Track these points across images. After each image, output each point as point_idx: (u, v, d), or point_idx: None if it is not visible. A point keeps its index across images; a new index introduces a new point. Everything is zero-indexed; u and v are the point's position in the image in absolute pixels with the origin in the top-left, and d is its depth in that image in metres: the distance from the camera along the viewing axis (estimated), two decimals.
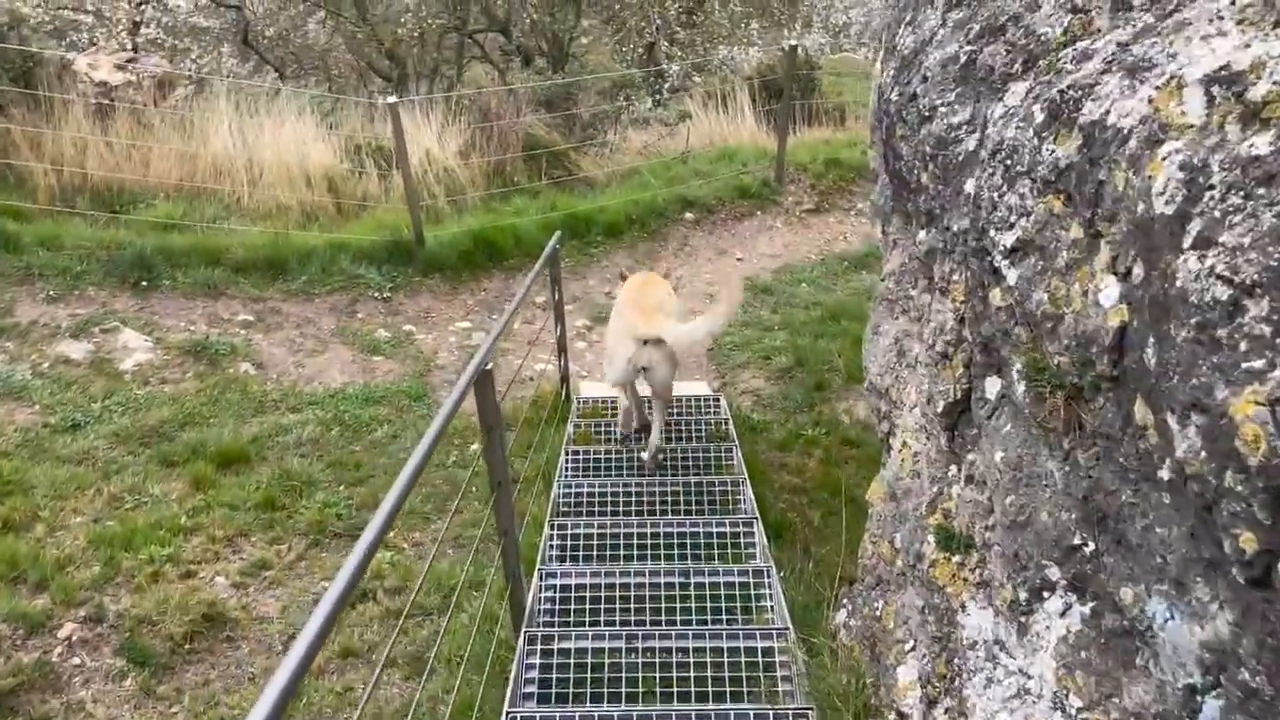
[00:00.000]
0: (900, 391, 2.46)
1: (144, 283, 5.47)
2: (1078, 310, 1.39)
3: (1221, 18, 1.22)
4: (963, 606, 1.81)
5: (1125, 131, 1.30)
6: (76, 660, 3.06)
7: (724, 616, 2.78)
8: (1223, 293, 1.07)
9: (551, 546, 3.23)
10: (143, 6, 10.13)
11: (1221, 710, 1.16)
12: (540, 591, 2.89)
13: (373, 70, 11.27)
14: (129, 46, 8.98)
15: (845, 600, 2.61)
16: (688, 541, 3.21)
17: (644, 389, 4.07)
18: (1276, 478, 0.98)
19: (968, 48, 1.97)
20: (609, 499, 3.59)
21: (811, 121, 9.71)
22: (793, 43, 8.07)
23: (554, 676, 2.51)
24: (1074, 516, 1.48)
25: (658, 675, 2.48)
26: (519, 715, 2.35)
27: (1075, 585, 1.50)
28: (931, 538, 1.98)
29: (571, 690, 2.47)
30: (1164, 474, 1.23)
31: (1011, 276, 1.58)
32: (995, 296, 1.67)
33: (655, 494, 3.60)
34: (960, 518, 1.90)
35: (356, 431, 4.56)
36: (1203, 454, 1.10)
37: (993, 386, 1.78)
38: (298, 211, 6.55)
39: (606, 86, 9.43)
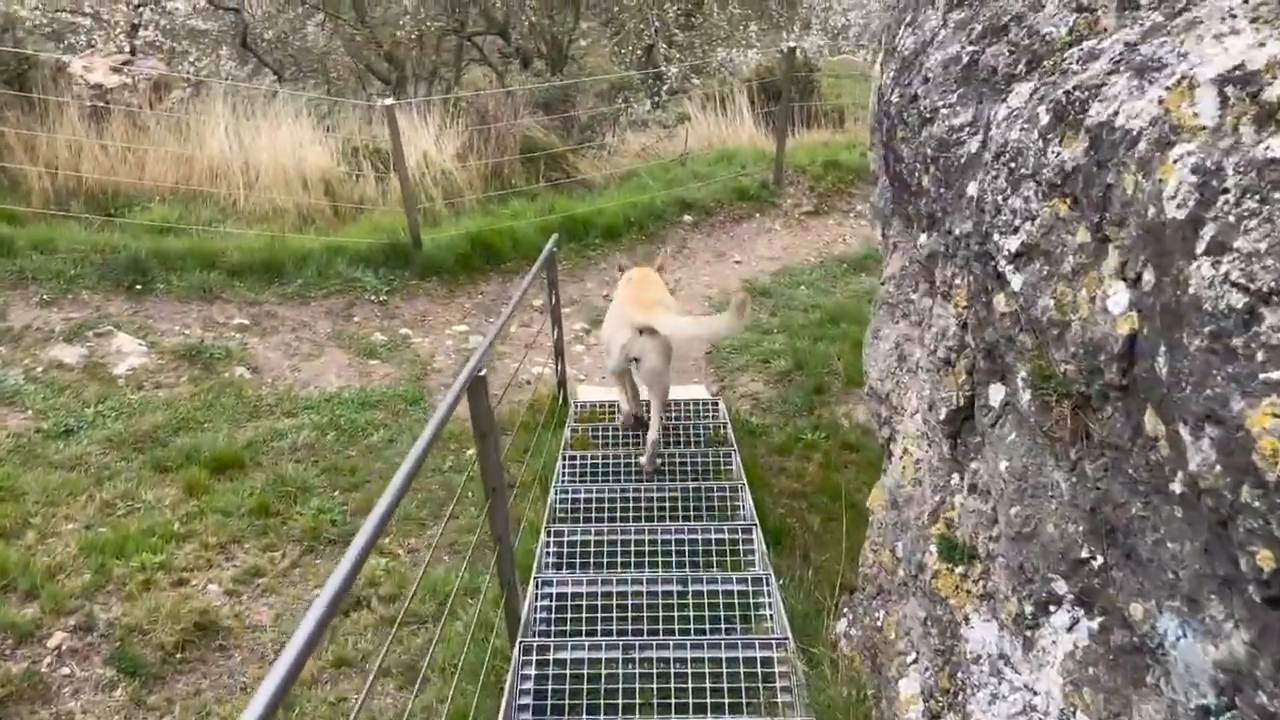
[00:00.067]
0: (901, 397, 2.42)
1: (138, 286, 5.43)
2: (1085, 317, 1.35)
3: (1234, 15, 1.19)
4: (966, 619, 1.77)
5: (1134, 133, 1.26)
6: (66, 670, 3.01)
7: (723, 625, 2.74)
8: (1238, 300, 1.03)
9: (548, 553, 3.19)
10: (141, 9, 10.09)
11: None
12: (536, 600, 2.85)
13: (371, 73, 11.23)
14: (127, 49, 8.94)
15: (846, 609, 2.57)
16: (686, 548, 3.17)
17: (644, 390, 4.05)
18: None
19: (970, 48, 1.93)
20: (606, 505, 3.55)
21: (810, 123, 9.68)
22: (791, 44, 8.04)
23: (550, 688, 2.47)
24: (1081, 529, 1.44)
25: (655, 686, 2.44)
26: None
27: (1083, 599, 1.46)
28: (934, 548, 1.94)
29: (567, 701, 2.43)
30: (1176, 487, 1.19)
31: (1016, 281, 1.55)
32: (999, 302, 1.64)
33: (653, 500, 3.56)
34: (963, 528, 1.86)
35: (352, 436, 4.52)
36: (1217, 467, 1.06)
37: (996, 394, 1.74)
38: (294, 214, 6.51)
39: (605, 89, 9.40)
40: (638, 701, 2.42)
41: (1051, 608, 1.52)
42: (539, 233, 6.37)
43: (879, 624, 2.25)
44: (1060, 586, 1.50)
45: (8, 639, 3.02)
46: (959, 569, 1.84)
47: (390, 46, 10.51)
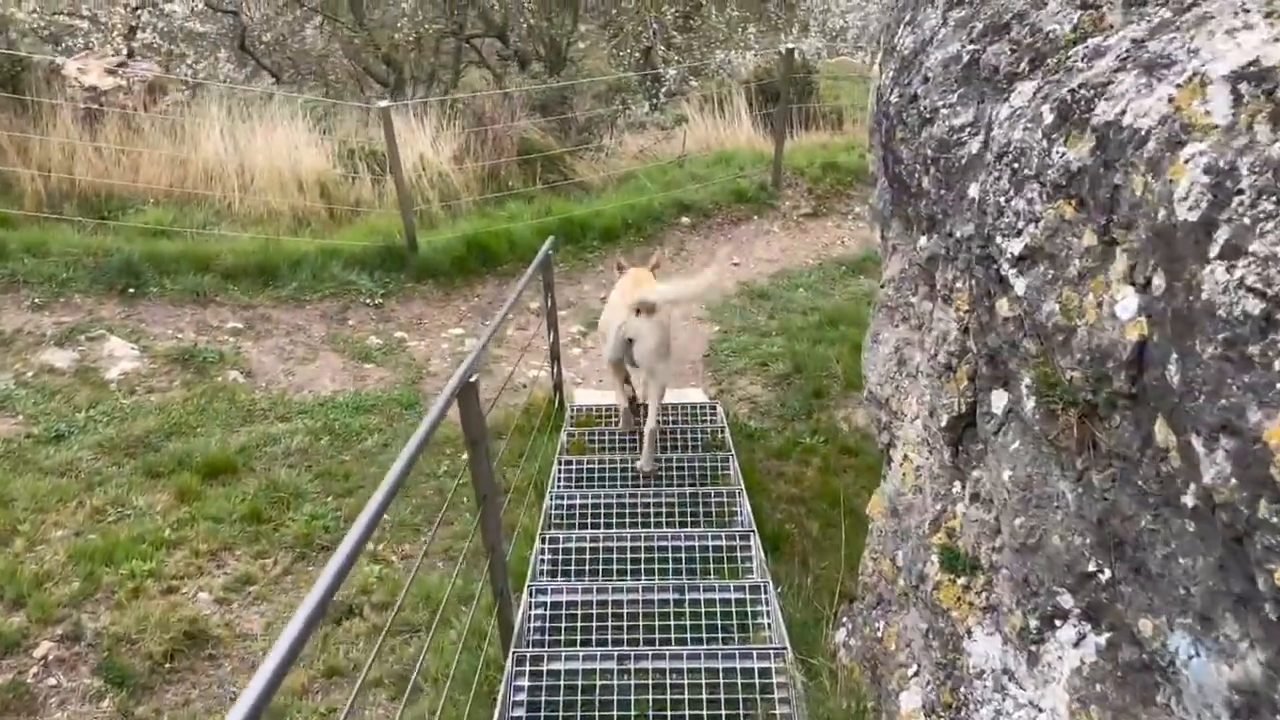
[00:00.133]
0: (901, 402, 2.38)
1: (131, 290, 5.38)
2: (1092, 322, 1.31)
3: (1247, 10, 1.14)
4: (969, 632, 1.72)
5: (1143, 132, 1.21)
6: (52, 681, 2.96)
7: (720, 635, 2.69)
8: (1254, 306, 0.99)
9: (542, 561, 3.14)
10: (138, 12, 10.06)
11: None
12: (530, 609, 2.80)
13: (370, 75, 11.20)
14: (125, 52, 8.90)
15: (845, 619, 2.52)
16: (683, 555, 3.12)
17: (641, 379, 4.00)
18: None
19: (970, 47, 1.89)
20: (602, 510, 3.51)
21: (808, 125, 9.64)
22: (789, 45, 8.00)
23: (543, 699, 2.42)
24: (1088, 541, 1.39)
25: (650, 698, 2.39)
26: None
27: (1089, 614, 1.41)
28: (935, 557, 1.89)
29: (561, 714, 2.38)
30: (1188, 500, 1.14)
31: (1020, 286, 1.50)
32: (1002, 306, 1.59)
33: (649, 505, 3.51)
34: (965, 537, 1.81)
35: (346, 440, 4.47)
36: (1233, 481, 1.02)
37: (999, 400, 1.69)
38: (289, 217, 6.46)
39: (603, 90, 9.36)
40: (633, 714, 2.37)
41: (1057, 622, 1.48)
42: (536, 235, 6.33)
43: (879, 635, 2.21)
44: (1066, 600, 1.45)
45: None
46: (961, 580, 1.79)
47: (388, 49, 10.47)
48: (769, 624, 2.70)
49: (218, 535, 3.65)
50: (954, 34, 1.98)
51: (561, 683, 2.44)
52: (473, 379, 2.11)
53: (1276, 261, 0.97)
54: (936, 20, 2.12)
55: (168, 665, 3.07)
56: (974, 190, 1.71)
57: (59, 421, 4.34)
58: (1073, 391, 1.38)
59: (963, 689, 1.71)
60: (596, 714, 2.36)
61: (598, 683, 2.42)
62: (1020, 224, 1.49)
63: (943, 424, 1.91)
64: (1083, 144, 1.35)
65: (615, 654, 2.49)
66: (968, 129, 1.81)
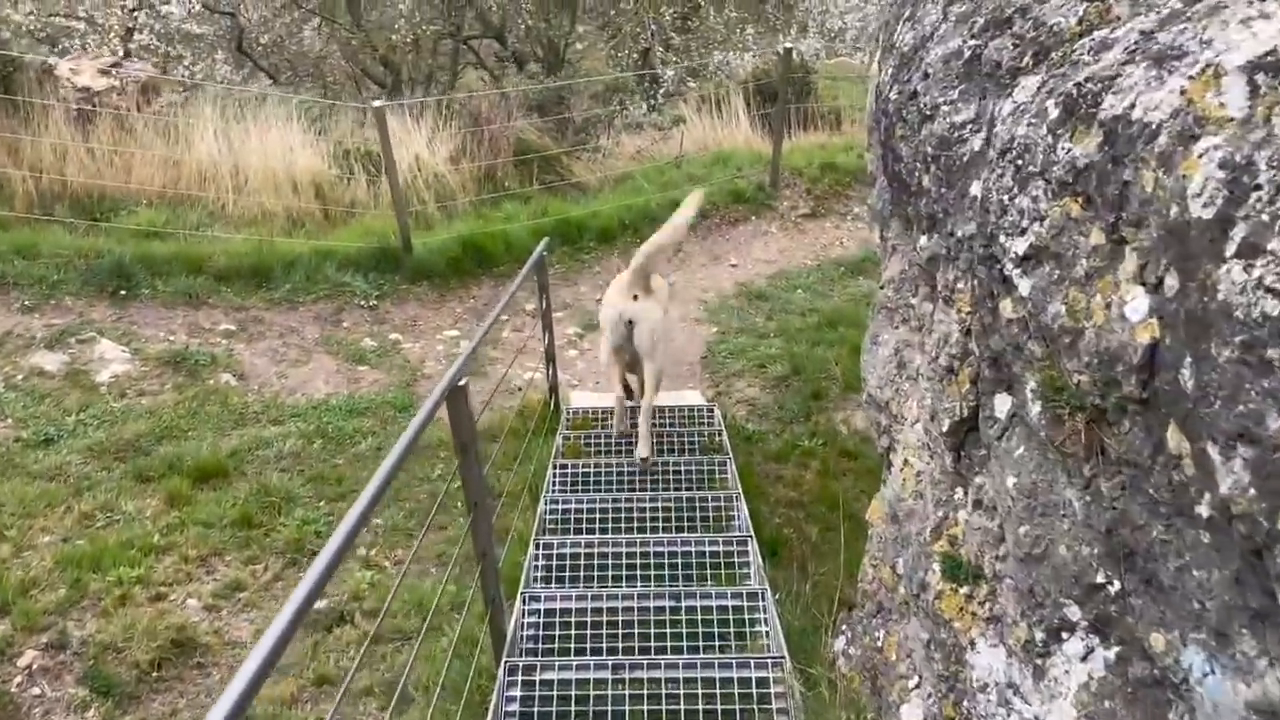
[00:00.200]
0: (901, 405, 2.33)
1: (123, 292, 5.33)
2: (1100, 324, 1.26)
3: None
4: (972, 644, 1.67)
5: (1154, 126, 1.16)
6: (36, 690, 2.91)
7: (716, 643, 2.63)
8: (1273, 307, 0.94)
9: (536, 566, 3.09)
10: (136, 13, 10.02)
11: None
12: (523, 616, 2.74)
13: (367, 77, 11.16)
14: (121, 53, 8.86)
15: (844, 627, 2.47)
16: (679, 561, 3.07)
17: (640, 370, 4.00)
18: None
19: (971, 42, 1.84)
20: (597, 515, 3.45)
21: (807, 126, 9.60)
22: (788, 45, 7.96)
23: (535, 710, 2.36)
24: (1096, 551, 1.34)
25: (645, 709, 2.33)
26: None
27: (1097, 627, 1.36)
28: (937, 566, 1.84)
29: None
30: (1203, 510, 1.09)
31: (1024, 286, 1.45)
32: (1006, 307, 1.54)
33: (645, 510, 3.46)
34: (968, 545, 1.76)
35: (339, 444, 4.42)
36: (1251, 491, 0.97)
37: (1003, 405, 1.64)
38: (283, 218, 6.41)
39: (600, 91, 9.32)
40: None
41: (1064, 635, 1.42)
42: (532, 236, 6.27)
43: (879, 644, 2.15)
44: (1073, 612, 1.40)
45: None
46: (964, 589, 1.74)
47: (386, 50, 10.43)
48: (767, 632, 2.65)
49: (208, 541, 3.60)
50: (955, 29, 1.94)
51: (555, 693, 2.39)
52: (462, 382, 2.06)
53: None
54: (937, 15, 2.07)
55: (155, 674, 3.01)
56: (976, 188, 1.66)
57: (48, 425, 4.28)
58: (1080, 396, 1.33)
59: (965, 703, 1.66)
60: None
61: (591, 693, 2.37)
62: (1024, 222, 1.44)
63: (944, 429, 1.86)
64: (1090, 139, 1.30)
65: (610, 663, 2.43)
66: (969, 126, 1.76)
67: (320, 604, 3.34)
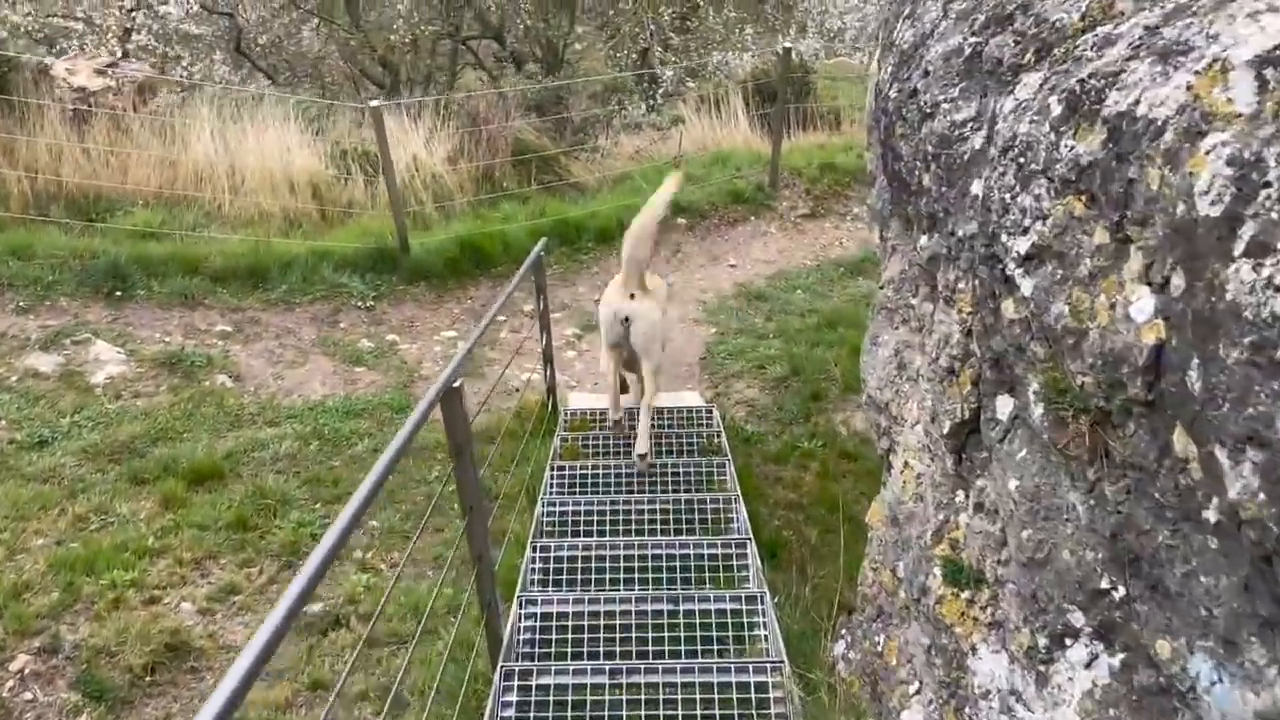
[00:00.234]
0: (901, 407, 2.30)
1: (118, 293, 5.30)
2: (1104, 325, 1.23)
3: None
4: (973, 649, 1.65)
5: (1159, 123, 1.14)
6: (29, 695, 2.88)
7: (715, 647, 2.61)
8: None
9: (533, 569, 3.06)
10: (134, 14, 9.99)
11: None
12: (520, 620, 2.72)
13: (366, 77, 11.13)
14: (119, 53, 8.83)
15: (844, 631, 2.45)
16: (677, 564, 3.04)
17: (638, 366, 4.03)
18: None
19: (972, 39, 1.82)
20: (595, 518, 3.42)
21: (806, 126, 9.58)
22: (787, 45, 7.93)
23: (532, 715, 2.34)
24: (1100, 556, 1.32)
25: (643, 714, 2.31)
26: None
27: (1102, 633, 1.34)
28: (938, 570, 1.82)
29: None
30: (1210, 515, 1.07)
31: (1026, 286, 1.43)
32: (1008, 308, 1.52)
33: (644, 512, 3.43)
34: (969, 549, 1.74)
35: (336, 446, 4.39)
36: (1261, 496, 0.94)
37: (1005, 406, 1.62)
38: (280, 218, 6.38)
39: (599, 91, 9.29)
40: None
41: (1067, 641, 1.40)
42: (530, 236, 6.25)
43: (879, 648, 2.13)
44: (1077, 618, 1.37)
45: None
46: (965, 594, 1.72)
47: (384, 51, 10.40)
48: (765, 636, 2.62)
49: (202, 543, 3.57)
50: (955, 26, 1.91)
51: (551, 698, 2.36)
52: (456, 383, 2.03)
53: None
54: (937, 13, 2.05)
55: (148, 678, 2.98)
56: (977, 187, 1.63)
57: (42, 427, 4.25)
58: (1084, 398, 1.31)
59: (967, 709, 1.64)
60: None
61: (588, 698, 2.34)
62: (1027, 221, 1.42)
63: (945, 430, 1.84)
64: (1093, 136, 1.28)
65: (607, 668, 2.41)
66: (970, 124, 1.74)
67: (315, 607, 3.32)
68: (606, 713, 2.31)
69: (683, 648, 2.61)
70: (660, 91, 10.11)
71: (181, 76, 9.29)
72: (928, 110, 1.89)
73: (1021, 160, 1.45)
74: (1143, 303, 1.16)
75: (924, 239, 1.98)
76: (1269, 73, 1.00)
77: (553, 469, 3.86)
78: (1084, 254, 1.29)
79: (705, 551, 3.07)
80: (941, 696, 1.74)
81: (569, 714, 2.33)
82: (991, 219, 1.53)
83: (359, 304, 5.74)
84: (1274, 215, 0.94)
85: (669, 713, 2.31)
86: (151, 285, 5.40)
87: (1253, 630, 1.03)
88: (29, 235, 5.59)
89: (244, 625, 3.27)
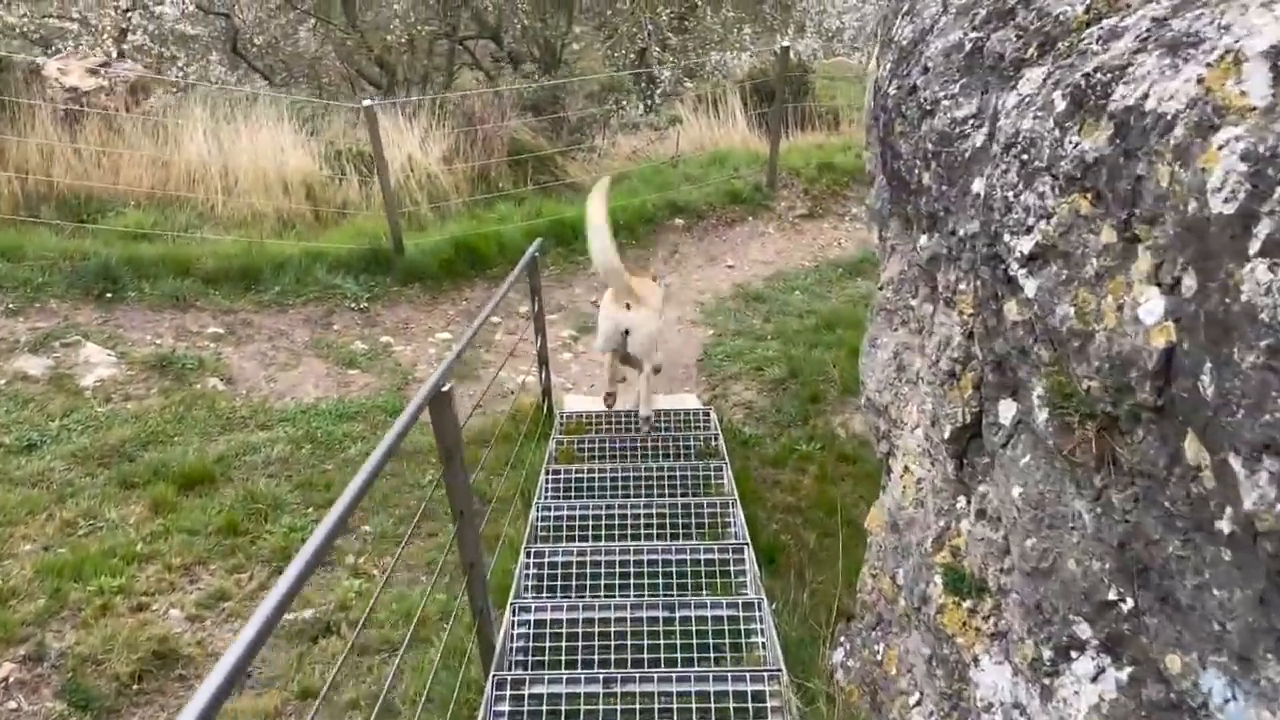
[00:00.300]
0: (900, 410, 2.26)
1: (109, 294, 5.24)
2: (1112, 327, 1.19)
3: None
4: (975, 660, 1.60)
5: (1169, 117, 1.10)
6: (12, 704, 2.82)
7: (711, 655, 2.56)
8: None
9: (527, 575, 3.02)
10: (129, 14, 9.95)
11: None
12: (513, 628, 2.67)
13: (363, 78, 11.08)
14: (115, 54, 8.79)
15: (843, 638, 2.40)
16: (673, 570, 3.00)
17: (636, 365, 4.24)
18: None
19: (973, 34, 1.78)
20: (590, 522, 3.38)
21: (804, 126, 9.54)
22: (785, 44, 7.89)
23: None
24: (1107, 567, 1.27)
25: None
26: None
27: (1109, 646, 1.29)
28: (938, 578, 1.77)
29: None
30: (1224, 526, 1.02)
31: (1030, 287, 1.38)
32: (1010, 309, 1.47)
33: (640, 517, 3.39)
34: (971, 557, 1.69)
35: (329, 449, 4.34)
36: (1279, 507, 0.90)
37: (1007, 411, 1.57)
38: (273, 219, 6.33)
39: (596, 90, 9.25)
40: None
41: (1073, 653, 1.35)
42: (526, 237, 6.20)
43: (879, 657, 2.08)
44: (1083, 630, 1.33)
45: None
46: (967, 603, 1.67)
47: (381, 51, 10.36)
48: (763, 643, 2.57)
49: (192, 549, 3.52)
50: (955, 21, 1.87)
51: (544, 708, 2.32)
52: (446, 387, 1.98)
53: None
54: (937, 8, 2.01)
55: (135, 687, 2.93)
56: (978, 185, 1.59)
57: (31, 431, 4.20)
58: (1090, 403, 1.26)
59: None
60: None
61: (582, 708, 2.30)
62: (1030, 220, 1.37)
63: (945, 435, 1.79)
64: (1099, 132, 1.23)
65: (601, 676, 2.36)
66: (971, 120, 1.69)
67: (306, 614, 3.27)
68: None
69: (679, 656, 2.56)
70: (658, 91, 10.07)
71: (178, 77, 9.24)
72: (928, 107, 1.84)
73: (1025, 157, 1.41)
74: (1152, 304, 1.12)
75: (924, 239, 1.93)
76: None
77: (548, 473, 3.82)
78: (1090, 254, 1.24)
79: (702, 557, 3.03)
80: (943, 709, 1.69)
81: None
82: (994, 218, 1.49)
83: (353, 306, 5.69)
84: None
85: None
86: (143, 287, 5.35)
87: (1269, 646, 0.98)
88: (19, 236, 5.54)
89: (233, 632, 3.22)
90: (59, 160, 6.13)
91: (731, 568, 3.00)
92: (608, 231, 3.95)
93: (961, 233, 1.67)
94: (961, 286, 1.73)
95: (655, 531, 3.33)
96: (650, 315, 4.02)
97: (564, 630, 2.64)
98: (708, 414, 4.48)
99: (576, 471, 3.84)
